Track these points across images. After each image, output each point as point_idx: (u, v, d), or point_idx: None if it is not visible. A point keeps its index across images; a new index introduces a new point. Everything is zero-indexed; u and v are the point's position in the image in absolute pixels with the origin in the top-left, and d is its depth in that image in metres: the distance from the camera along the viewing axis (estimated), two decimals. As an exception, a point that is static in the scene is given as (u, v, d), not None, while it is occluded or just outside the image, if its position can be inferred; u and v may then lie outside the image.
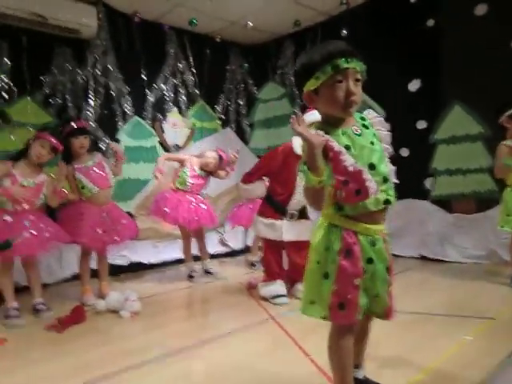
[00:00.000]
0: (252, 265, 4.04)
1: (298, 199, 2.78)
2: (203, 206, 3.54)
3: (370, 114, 1.35)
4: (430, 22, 4.08)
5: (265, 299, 2.81)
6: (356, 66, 1.22)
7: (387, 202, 1.25)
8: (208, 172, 3.60)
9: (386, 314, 1.34)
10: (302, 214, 2.84)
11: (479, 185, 3.85)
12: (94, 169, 2.98)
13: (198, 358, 1.95)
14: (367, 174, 1.21)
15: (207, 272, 3.70)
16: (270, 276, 2.89)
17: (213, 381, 1.70)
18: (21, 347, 2.23)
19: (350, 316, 1.24)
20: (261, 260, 3.55)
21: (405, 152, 4.24)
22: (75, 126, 2.96)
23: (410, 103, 4.17)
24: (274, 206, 2.87)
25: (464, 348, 1.86)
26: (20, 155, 2.73)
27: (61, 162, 2.81)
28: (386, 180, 1.26)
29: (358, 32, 4.29)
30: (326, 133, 1.21)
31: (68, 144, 2.92)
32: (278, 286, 2.82)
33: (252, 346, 2.07)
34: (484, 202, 3.83)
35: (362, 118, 1.32)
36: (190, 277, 3.59)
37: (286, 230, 2.79)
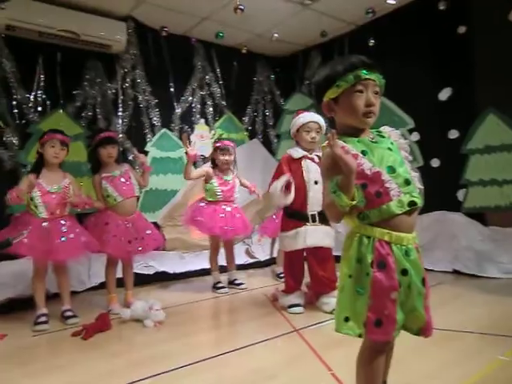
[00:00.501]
0: (278, 276, 3.99)
1: (312, 202, 2.78)
2: (237, 214, 3.54)
3: (386, 129, 1.35)
4: (461, 29, 3.96)
5: (284, 309, 2.82)
6: (376, 79, 1.25)
7: (412, 203, 1.19)
8: None
9: (423, 330, 1.25)
10: (324, 220, 2.80)
11: (517, 197, 3.66)
12: (121, 179, 3.03)
13: (218, 369, 1.92)
14: (386, 175, 1.19)
15: (233, 283, 3.67)
16: (288, 288, 2.92)
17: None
18: (47, 352, 2.29)
19: (388, 333, 1.16)
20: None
21: (435, 163, 4.11)
22: (103, 136, 3.03)
23: (441, 112, 4.05)
24: (293, 215, 2.85)
25: (498, 369, 1.74)
26: (37, 166, 2.79)
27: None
28: (408, 182, 1.21)
29: (386, 41, 4.23)
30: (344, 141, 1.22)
31: (96, 154, 3.01)
32: (294, 297, 2.84)
33: (273, 358, 2.03)
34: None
35: (379, 131, 1.33)
36: (215, 287, 3.58)
37: (310, 235, 2.77)
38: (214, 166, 3.58)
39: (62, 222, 2.75)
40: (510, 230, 3.65)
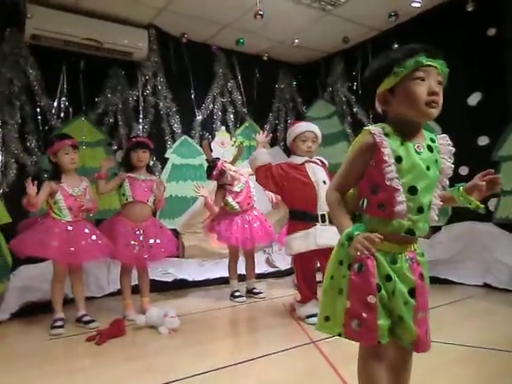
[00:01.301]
0: (297, 286, 3.88)
1: (322, 202, 2.68)
2: (256, 223, 3.48)
3: (442, 140, 1.21)
4: (491, 31, 3.81)
5: (301, 319, 2.72)
6: (439, 66, 1.12)
7: (410, 232, 1.13)
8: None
9: (414, 345, 1.15)
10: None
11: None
12: (143, 184, 3.05)
13: (231, 379, 1.84)
14: (402, 196, 1.09)
15: (251, 292, 3.59)
16: (303, 298, 2.83)
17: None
18: (61, 356, 2.31)
19: (368, 336, 1.10)
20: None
21: (464, 170, 3.92)
22: (136, 141, 3.13)
23: (470, 118, 3.88)
24: (303, 217, 2.77)
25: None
26: (55, 174, 2.82)
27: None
28: (421, 210, 1.12)
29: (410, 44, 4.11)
30: (386, 135, 1.12)
31: (127, 157, 3.11)
32: (310, 306, 2.74)
33: (289, 370, 1.94)
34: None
35: (432, 139, 1.19)
36: (233, 296, 3.51)
37: (319, 235, 2.67)
38: (221, 187, 3.51)
39: (84, 224, 2.82)
40: (545, 241, 3.43)
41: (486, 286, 3.48)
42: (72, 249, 2.64)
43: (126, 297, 3.05)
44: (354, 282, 1.11)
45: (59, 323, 2.67)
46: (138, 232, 2.97)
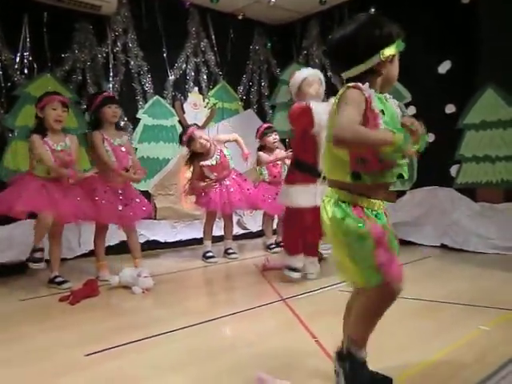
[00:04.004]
0: (268, 248, 4.01)
1: None
2: (235, 187, 3.55)
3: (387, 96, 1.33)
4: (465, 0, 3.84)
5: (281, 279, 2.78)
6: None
7: (400, 176, 1.25)
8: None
9: None
10: None
11: (509, 173, 3.65)
12: (122, 149, 3.01)
13: (204, 336, 1.93)
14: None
15: (226, 252, 3.68)
16: (292, 249, 2.77)
17: (214, 357, 1.68)
18: (33, 316, 2.29)
19: (400, 270, 1.23)
20: (282, 237, 3.35)
21: (431, 138, 4.04)
22: (107, 95, 3.02)
23: (439, 86, 3.97)
24: (306, 169, 2.68)
25: (478, 338, 1.77)
26: (40, 129, 2.72)
27: None
28: (404, 155, 1.21)
29: (387, 11, 4.08)
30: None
31: (99, 114, 2.95)
32: (296, 260, 2.74)
33: (260, 326, 2.05)
34: (512, 192, 3.64)
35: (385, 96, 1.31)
36: (205, 257, 3.59)
37: (321, 194, 2.61)
38: (195, 156, 3.55)
39: (68, 185, 2.77)
40: (499, 206, 3.67)
41: (443, 246, 3.73)
42: (51, 203, 2.60)
43: (100, 258, 3.06)
44: (373, 226, 1.20)
45: (38, 254, 2.66)
46: (119, 191, 2.98)
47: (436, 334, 1.85)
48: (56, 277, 2.79)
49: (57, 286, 2.75)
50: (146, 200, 3.23)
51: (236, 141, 3.74)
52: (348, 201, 1.24)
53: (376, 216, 1.24)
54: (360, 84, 1.19)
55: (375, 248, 1.19)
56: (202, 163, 3.52)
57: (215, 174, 3.55)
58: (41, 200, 2.59)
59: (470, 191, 3.89)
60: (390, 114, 1.22)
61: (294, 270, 2.72)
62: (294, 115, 2.72)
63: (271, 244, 4.02)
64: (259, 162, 4.01)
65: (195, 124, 3.78)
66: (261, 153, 3.98)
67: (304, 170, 2.71)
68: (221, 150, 3.58)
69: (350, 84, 1.21)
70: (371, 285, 1.22)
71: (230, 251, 3.69)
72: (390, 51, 1.23)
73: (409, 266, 3.07)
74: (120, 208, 2.94)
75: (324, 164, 1.33)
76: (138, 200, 3.09)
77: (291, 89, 2.86)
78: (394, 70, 1.28)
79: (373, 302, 1.27)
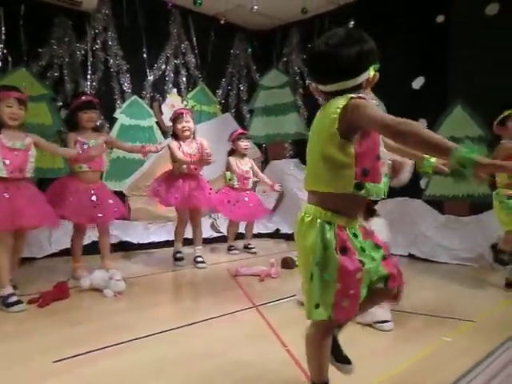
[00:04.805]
0: (228, 250, 4.08)
1: None
2: (197, 189, 3.48)
3: None
4: (440, 18, 4.01)
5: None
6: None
7: (385, 193, 1.23)
8: None
9: (389, 281, 1.28)
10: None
11: (474, 188, 3.83)
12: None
13: (174, 343, 1.94)
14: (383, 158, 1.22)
15: (195, 260, 3.58)
16: None
17: (184, 365, 1.70)
18: (1, 319, 2.22)
19: (353, 310, 1.21)
20: None
21: (402, 150, 4.21)
22: (85, 100, 2.98)
23: (413, 101, 4.12)
24: None
25: (440, 349, 1.87)
26: None
27: None
28: (385, 173, 1.24)
29: (365, 23, 4.22)
30: None
31: (75, 117, 2.96)
32: (382, 311, 2.21)
33: (231, 333, 2.08)
34: (477, 206, 3.82)
35: None
36: (175, 258, 3.56)
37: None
38: (176, 138, 3.51)
39: (24, 186, 2.56)
40: (464, 218, 3.84)
41: (411, 256, 3.87)
42: (9, 211, 2.40)
43: (77, 258, 3.03)
44: (344, 264, 1.16)
45: (14, 298, 2.37)
46: (91, 192, 2.95)
47: (399, 345, 1.93)
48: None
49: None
50: (119, 201, 3.20)
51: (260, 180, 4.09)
52: (334, 222, 1.20)
53: (354, 235, 1.23)
54: (363, 95, 1.18)
55: (339, 286, 1.17)
56: (182, 144, 3.46)
57: (190, 160, 3.44)
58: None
59: (438, 203, 4.05)
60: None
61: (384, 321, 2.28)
62: None
63: (231, 246, 4.11)
64: (228, 167, 4.04)
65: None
66: (231, 158, 4.02)
67: None
68: (201, 145, 3.53)
69: (353, 95, 1.17)
70: (311, 318, 1.22)
71: (199, 259, 3.54)
72: (372, 70, 1.22)
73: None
74: (90, 208, 2.90)
75: (312, 177, 1.27)
76: (111, 201, 3.06)
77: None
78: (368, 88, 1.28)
79: (315, 330, 1.28)
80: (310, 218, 1.22)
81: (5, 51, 3.57)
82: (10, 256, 2.48)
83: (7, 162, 2.45)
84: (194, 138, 3.54)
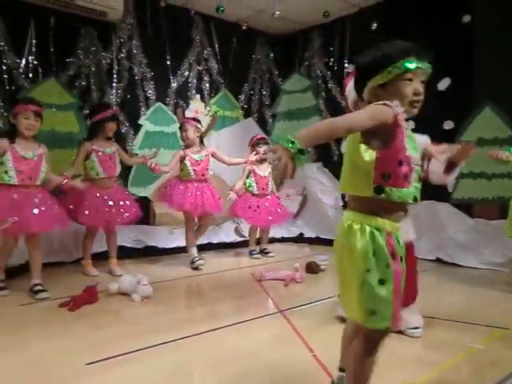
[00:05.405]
0: (250, 254, 4.09)
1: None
2: (208, 192, 3.61)
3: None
4: (466, 18, 3.92)
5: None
6: (425, 68, 1.24)
7: (415, 199, 1.21)
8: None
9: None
10: None
11: (504, 190, 3.72)
12: (110, 158, 3.23)
13: (201, 347, 1.96)
14: (414, 164, 1.19)
15: (192, 267, 3.59)
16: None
17: (212, 369, 1.71)
18: (34, 322, 2.30)
19: (399, 318, 1.19)
20: None
21: (429, 152, 4.12)
22: (112, 113, 3.28)
23: (438, 103, 4.03)
24: None
25: (471, 357, 1.81)
26: (10, 135, 2.69)
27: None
28: (419, 179, 1.23)
29: (388, 26, 4.18)
30: None
31: (98, 127, 3.20)
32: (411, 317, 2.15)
33: (257, 338, 2.08)
34: (508, 209, 3.69)
35: None
36: (193, 263, 3.57)
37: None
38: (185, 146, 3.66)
39: (34, 192, 2.68)
40: (494, 222, 3.72)
41: (438, 260, 3.78)
42: (16, 218, 2.53)
43: (86, 257, 3.28)
44: (398, 270, 1.16)
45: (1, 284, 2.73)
46: (105, 197, 3.17)
47: (428, 352, 1.89)
48: (35, 285, 2.71)
49: (34, 294, 2.67)
50: (134, 204, 3.36)
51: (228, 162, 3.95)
52: (383, 228, 1.17)
53: (397, 241, 1.19)
54: (388, 102, 1.17)
55: (394, 293, 1.15)
56: (188, 152, 3.58)
57: (195, 169, 3.57)
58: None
59: (467, 206, 3.95)
60: (410, 137, 1.20)
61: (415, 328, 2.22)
62: None
63: (253, 251, 4.14)
64: (247, 174, 4.06)
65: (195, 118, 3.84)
66: (248, 165, 4.04)
67: None
68: (208, 155, 3.65)
69: (377, 102, 1.18)
70: (368, 326, 1.18)
71: (194, 266, 3.58)
72: (377, 80, 1.22)
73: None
74: (104, 212, 3.13)
75: (343, 179, 1.27)
76: (127, 202, 3.28)
77: (349, 94, 2.24)
78: (393, 98, 1.21)
79: (367, 341, 1.23)
80: (358, 226, 1.19)
81: (35, 62, 3.70)
82: (7, 257, 2.78)
83: (19, 170, 2.62)
84: (202, 144, 3.67)
